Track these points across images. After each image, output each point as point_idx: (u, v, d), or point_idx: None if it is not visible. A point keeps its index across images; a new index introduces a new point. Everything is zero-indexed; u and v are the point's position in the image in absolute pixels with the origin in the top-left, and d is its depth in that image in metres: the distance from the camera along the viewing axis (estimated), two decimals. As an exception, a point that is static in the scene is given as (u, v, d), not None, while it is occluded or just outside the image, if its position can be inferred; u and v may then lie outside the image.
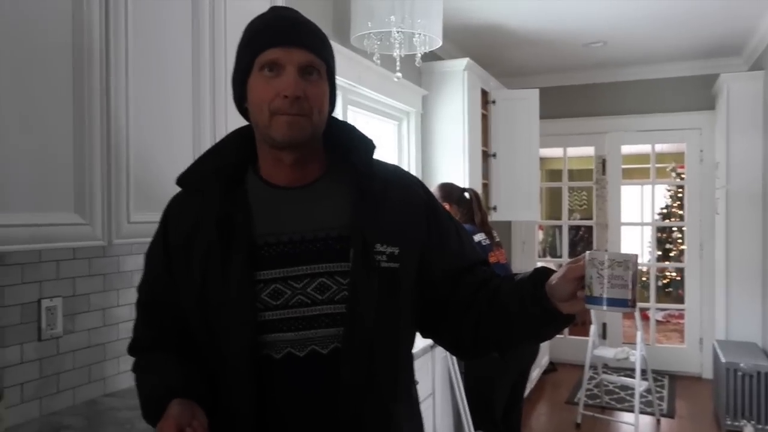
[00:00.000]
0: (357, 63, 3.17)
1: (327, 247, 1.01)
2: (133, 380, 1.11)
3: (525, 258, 5.78)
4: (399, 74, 3.01)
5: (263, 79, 0.99)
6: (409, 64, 3.37)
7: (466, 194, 3.08)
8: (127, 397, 1.86)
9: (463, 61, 4.06)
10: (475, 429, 2.95)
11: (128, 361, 1.93)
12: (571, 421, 4.23)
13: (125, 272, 1.96)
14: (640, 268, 6.49)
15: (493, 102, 4.61)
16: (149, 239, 1.64)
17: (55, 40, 1.37)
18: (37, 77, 1.33)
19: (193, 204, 1.07)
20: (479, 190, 4.27)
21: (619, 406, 4.55)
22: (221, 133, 1.83)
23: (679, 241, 7.13)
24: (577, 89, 5.55)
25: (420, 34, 2.91)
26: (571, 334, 5.54)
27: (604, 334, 5.46)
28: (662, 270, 7.42)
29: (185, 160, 1.71)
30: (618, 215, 5.61)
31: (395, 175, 1.13)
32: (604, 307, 0.90)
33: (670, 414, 4.40)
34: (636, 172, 6.82)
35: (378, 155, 1.11)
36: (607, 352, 4.32)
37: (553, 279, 0.95)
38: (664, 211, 7.51)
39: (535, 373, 4.91)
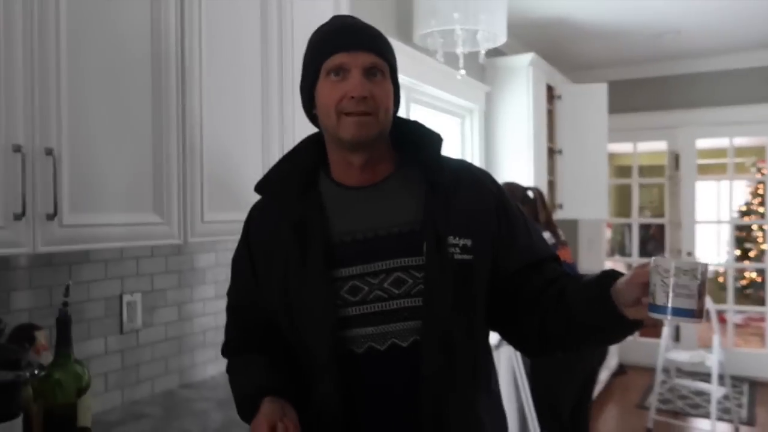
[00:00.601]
0: (420, 61, 3.18)
1: (401, 242, 1.03)
2: (227, 378, 1.17)
3: (592, 257, 5.62)
4: (462, 71, 2.99)
5: (330, 83, 1.03)
6: (472, 61, 3.34)
7: (530, 193, 3.02)
8: (201, 388, 1.94)
9: (528, 56, 3.99)
10: (542, 430, 2.90)
11: (202, 354, 2.04)
12: (642, 425, 4.08)
13: (198, 269, 2.04)
14: (716, 268, 6.16)
15: (559, 97, 4.50)
16: (221, 237, 1.72)
17: (137, 51, 1.44)
18: (125, 86, 1.41)
19: (271, 209, 1.13)
20: (544, 188, 4.20)
21: (693, 412, 4.36)
22: (288, 135, 1.89)
23: (760, 240, 6.74)
24: (648, 82, 5.34)
25: (483, 30, 2.88)
26: (641, 336, 5.33)
27: (677, 337, 5.24)
28: (741, 271, 7.04)
29: (255, 161, 1.79)
30: (692, 213, 5.36)
31: (465, 168, 1.14)
32: (668, 317, 0.87)
33: (750, 422, 4.18)
34: (712, 168, 6.51)
35: (444, 150, 1.12)
36: (681, 356, 4.15)
37: (620, 283, 0.93)
38: (744, 208, 7.11)
39: (604, 375, 4.77)
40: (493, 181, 1.15)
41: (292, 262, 1.05)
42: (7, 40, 1.17)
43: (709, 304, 3.93)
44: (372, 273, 1.03)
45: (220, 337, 2.13)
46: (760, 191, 6.64)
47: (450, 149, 3.88)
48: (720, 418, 4.05)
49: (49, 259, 1.56)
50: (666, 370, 4.31)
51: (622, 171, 7.00)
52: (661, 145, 5.57)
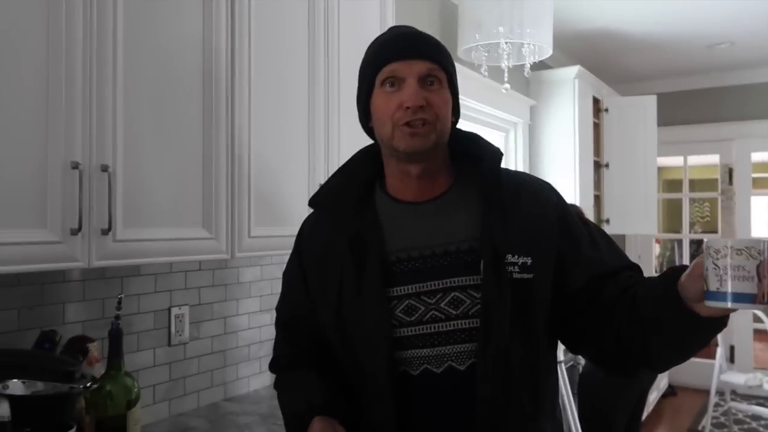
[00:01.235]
0: (464, 75, 3.15)
1: (458, 260, 0.99)
2: (270, 391, 1.15)
3: (640, 273, 5.45)
4: (507, 85, 2.96)
5: (385, 94, 1.00)
6: (517, 74, 3.31)
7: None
8: (244, 402, 1.95)
9: (574, 69, 3.93)
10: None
11: (246, 368, 2.06)
12: (695, 450, 3.92)
13: (244, 283, 2.06)
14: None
15: (606, 110, 4.41)
16: (267, 252, 1.74)
17: (188, 66, 1.47)
18: (174, 101, 1.44)
19: (325, 224, 1.10)
20: (590, 202, 4.11)
21: (750, 437, 4.16)
22: (333, 150, 1.89)
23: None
24: (699, 93, 5.18)
25: (529, 43, 2.85)
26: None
27: (732, 358, 5.02)
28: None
29: (301, 176, 1.80)
30: (747, 228, 5.16)
31: (525, 181, 1.09)
32: (729, 304, 0.78)
33: (812, 450, 3.96)
34: (767, 182, 6.24)
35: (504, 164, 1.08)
36: (737, 378, 3.97)
37: (683, 276, 0.86)
38: (801, 223, 6.81)
39: (653, 397, 4.60)
40: (555, 193, 1.10)
41: (347, 279, 1.02)
42: (68, 59, 1.21)
43: (766, 323, 3.77)
44: (428, 292, 0.99)
45: (263, 351, 2.14)
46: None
47: (494, 163, 3.83)
48: (779, 445, 3.85)
49: (102, 272, 1.60)
50: (720, 393, 4.13)
51: (672, 185, 6.79)
52: (713, 159, 5.39)
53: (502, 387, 0.96)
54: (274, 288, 2.08)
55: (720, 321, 0.86)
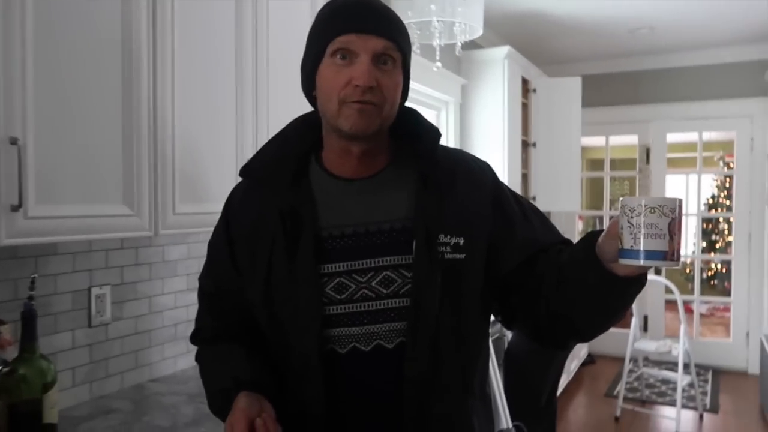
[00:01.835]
0: (396, 52, 3.15)
1: (391, 239, 0.98)
2: (197, 370, 1.11)
3: (564, 248, 5.69)
4: (438, 64, 2.98)
5: (335, 66, 0.95)
6: (448, 53, 3.34)
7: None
8: (171, 382, 1.92)
9: (504, 50, 4.00)
10: (515, 420, 2.93)
11: (173, 348, 2.01)
12: (610, 414, 4.17)
13: (170, 261, 2.01)
14: (684, 259, 6.32)
15: (534, 90, 4.53)
16: (193, 229, 1.70)
17: (104, 37, 1.40)
18: (91, 73, 1.37)
19: (255, 195, 1.05)
20: (518, 180, 4.23)
21: (660, 400, 4.47)
22: (263, 128, 1.86)
23: (726, 232, 6.91)
24: (621, 76, 5.41)
25: (460, 22, 2.87)
26: (611, 326, 5.44)
27: (645, 327, 5.35)
28: (707, 262, 7.21)
29: (228, 152, 1.76)
30: (662, 205, 5.46)
31: (462, 160, 1.08)
32: (641, 261, 0.79)
33: (714, 409, 4.30)
34: (681, 162, 6.63)
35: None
36: (649, 345, 4.24)
37: (600, 238, 0.87)
38: (710, 201, 7.28)
39: (573, 365, 4.85)
40: (491, 172, 1.09)
41: (277, 254, 0.98)
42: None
43: (675, 294, 4.02)
44: (360, 270, 0.97)
45: (191, 330, 2.11)
46: (727, 185, 6.79)
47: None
48: (685, 406, 4.15)
49: (14, 251, 1.52)
50: (634, 360, 4.40)
51: (595, 164, 7.09)
52: (632, 139, 5.65)
53: (429, 366, 0.96)
54: (202, 266, 2.03)
55: (638, 280, 0.87)
